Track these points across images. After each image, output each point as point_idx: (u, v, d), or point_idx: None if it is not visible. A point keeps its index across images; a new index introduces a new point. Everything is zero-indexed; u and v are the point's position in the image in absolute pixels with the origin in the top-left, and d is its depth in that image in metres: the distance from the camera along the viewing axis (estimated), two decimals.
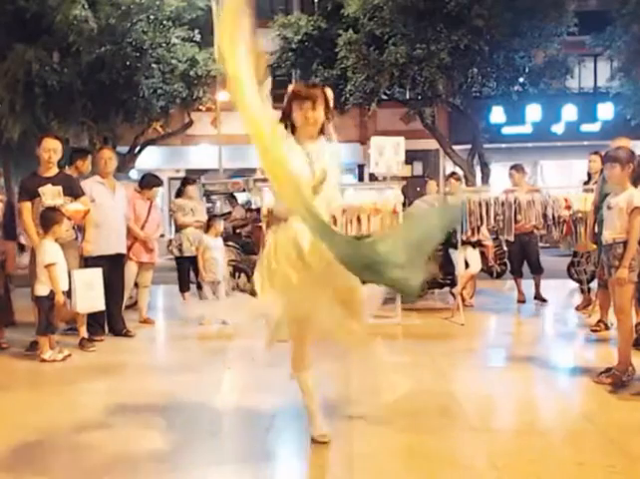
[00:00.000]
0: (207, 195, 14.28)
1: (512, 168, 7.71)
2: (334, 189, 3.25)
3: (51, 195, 5.46)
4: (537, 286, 7.76)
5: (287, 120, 3.20)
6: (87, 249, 5.69)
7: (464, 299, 7.20)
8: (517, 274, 7.80)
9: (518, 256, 7.68)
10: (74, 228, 5.75)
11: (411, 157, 14.52)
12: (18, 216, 5.74)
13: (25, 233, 5.53)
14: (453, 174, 8.27)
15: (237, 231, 9.54)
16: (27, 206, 5.44)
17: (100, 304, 5.74)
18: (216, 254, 6.80)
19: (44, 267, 5.18)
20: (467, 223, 6.70)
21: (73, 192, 5.62)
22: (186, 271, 7.43)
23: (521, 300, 7.72)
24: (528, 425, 3.65)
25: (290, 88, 3.24)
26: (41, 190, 5.43)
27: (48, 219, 5.29)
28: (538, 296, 7.74)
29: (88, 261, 5.77)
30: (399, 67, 13.42)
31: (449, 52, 13.03)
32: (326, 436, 3.35)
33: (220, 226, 7.11)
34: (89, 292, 5.58)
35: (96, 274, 5.67)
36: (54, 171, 5.60)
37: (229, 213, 10.67)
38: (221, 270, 6.88)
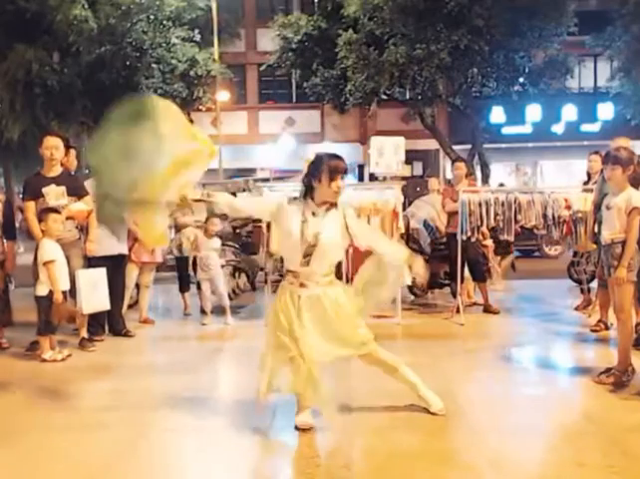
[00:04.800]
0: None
1: (459, 160, 7.26)
2: (336, 252, 3.53)
3: (55, 195, 5.42)
4: (485, 296, 7.06)
5: (310, 185, 3.45)
6: (90, 249, 5.65)
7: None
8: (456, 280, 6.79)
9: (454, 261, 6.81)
10: (77, 227, 5.74)
11: (411, 157, 14.47)
12: (23, 215, 5.73)
13: (30, 231, 5.51)
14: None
15: (237, 231, 9.51)
16: (31, 205, 5.41)
17: (105, 304, 5.72)
18: (209, 253, 6.76)
19: (42, 265, 5.18)
20: (466, 223, 6.67)
21: (77, 191, 5.58)
22: (186, 271, 7.44)
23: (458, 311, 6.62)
24: (528, 425, 3.65)
25: (330, 164, 3.42)
26: (45, 190, 5.39)
27: (39, 219, 5.28)
28: (488, 308, 7.01)
29: (91, 262, 5.75)
30: (399, 67, 13.43)
31: (449, 52, 13.04)
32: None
33: (214, 226, 6.95)
34: (94, 293, 5.56)
35: (100, 275, 5.65)
36: (57, 170, 5.55)
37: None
38: (217, 269, 6.81)
